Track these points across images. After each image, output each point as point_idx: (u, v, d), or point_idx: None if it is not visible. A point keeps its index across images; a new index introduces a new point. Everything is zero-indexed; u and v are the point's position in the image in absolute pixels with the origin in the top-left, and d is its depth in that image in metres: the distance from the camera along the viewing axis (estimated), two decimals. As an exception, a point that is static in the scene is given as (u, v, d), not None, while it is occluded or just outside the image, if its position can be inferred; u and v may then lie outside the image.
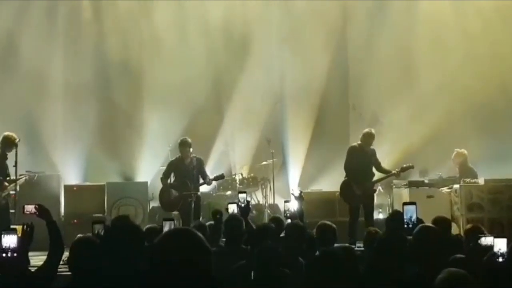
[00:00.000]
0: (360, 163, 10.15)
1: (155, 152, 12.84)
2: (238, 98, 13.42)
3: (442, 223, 5.87)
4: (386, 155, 12.34)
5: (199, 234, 2.31)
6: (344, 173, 10.37)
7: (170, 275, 2.18)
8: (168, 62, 13.22)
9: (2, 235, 4.11)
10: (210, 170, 11.28)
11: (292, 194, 7.05)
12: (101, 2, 13.40)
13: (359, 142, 10.34)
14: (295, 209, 6.77)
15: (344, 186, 10.33)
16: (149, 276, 2.24)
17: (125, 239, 3.68)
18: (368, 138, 10.23)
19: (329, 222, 6.05)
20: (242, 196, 6.83)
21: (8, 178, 9.82)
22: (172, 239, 2.28)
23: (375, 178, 10.35)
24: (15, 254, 4.06)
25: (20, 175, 10.08)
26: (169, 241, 2.27)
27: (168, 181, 10.49)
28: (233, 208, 6.67)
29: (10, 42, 12.82)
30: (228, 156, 13.12)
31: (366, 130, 10.41)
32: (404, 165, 10.46)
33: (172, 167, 10.48)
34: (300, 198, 6.89)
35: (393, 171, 10.34)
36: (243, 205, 6.68)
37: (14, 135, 9.72)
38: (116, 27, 13.32)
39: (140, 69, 13.36)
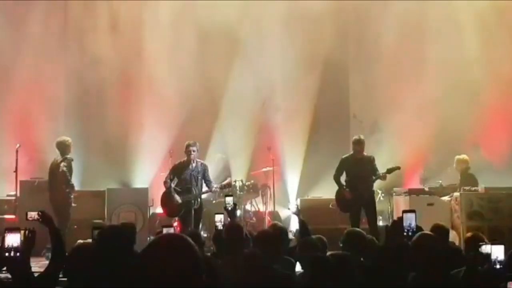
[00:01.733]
0: (352, 171, 10.17)
1: (154, 158, 12.87)
2: (236, 105, 13.40)
3: (439, 231, 5.87)
4: (387, 162, 12.35)
5: (189, 240, 2.29)
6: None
7: (159, 282, 2.15)
8: (165, 70, 13.27)
9: (6, 234, 4.10)
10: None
11: (289, 208, 7.05)
12: (94, 11, 13.47)
13: (351, 152, 10.35)
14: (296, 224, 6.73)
15: (337, 194, 10.40)
16: (139, 282, 2.20)
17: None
18: (356, 145, 10.23)
19: (358, 229, 5.99)
20: (229, 199, 6.79)
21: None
22: (162, 245, 2.25)
23: None
24: (17, 254, 4.05)
25: None
26: (158, 247, 2.24)
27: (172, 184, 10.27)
28: (220, 217, 6.54)
29: (10, 51, 12.87)
30: (225, 163, 13.04)
31: (354, 137, 10.42)
32: (390, 167, 10.33)
33: (176, 171, 10.28)
34: (297, 213, 6.85)
35: (380, 174, 10.23)
36: (230, 208, 6.64)
37: (67, 137, 10.57)
38: (110, 34, 13.36)
39: (136, 75, 13.37)
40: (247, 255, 4.96)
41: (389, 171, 10.22)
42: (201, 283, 2.21)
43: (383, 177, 10.23)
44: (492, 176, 11.81)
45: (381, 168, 10.47)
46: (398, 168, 10.42)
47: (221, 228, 6.28)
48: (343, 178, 10.44)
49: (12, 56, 12.85)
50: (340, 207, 10.46)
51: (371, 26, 13.62)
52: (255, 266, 4.80)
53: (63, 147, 10.39)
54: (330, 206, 11.19)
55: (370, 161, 10.31)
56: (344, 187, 10.26)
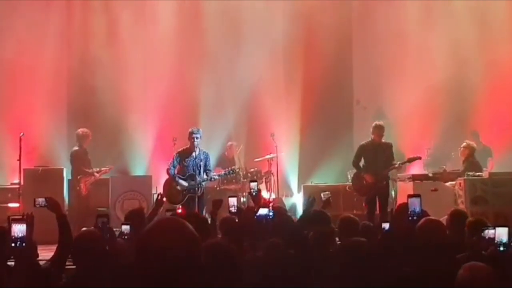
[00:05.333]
0: (370, 157, 10.37)
1: (155, 146, 12.89)
2: (238, 92, 13.40)
3: (457, 216, 5.84)
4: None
5: (187, 223, 2.27)
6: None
7: (157, 265, 2.12)
8: (167, 59, 13.29)
9: (12, 225, 4.11)
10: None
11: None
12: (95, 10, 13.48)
13: (370, 137, 10.50)
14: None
15: (354, 177, 10.70)
16: (137, 266, 2.18)
17: None
18: (375, 129, 10.39)
19: (352, 215, 6.02)
20: (253, 184, 6.68)
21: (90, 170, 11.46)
22: (159, 228, 2.22)
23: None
24: (23, 244, 4.05)
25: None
26: (156, 231, 2.21)
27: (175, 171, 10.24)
28: (233, 202, 6.40)
29: (15, 43, 12.89)
30: (235, 151, 13.00)
31: (375, 122, 10.58)
32: (411, 156, 10.63)
33: (179, 158, 10.22)
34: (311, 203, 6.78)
35: (399, 162, 10.47)
36: (254, 193, 6.55)
37: (85, 129, 11.55)
38: (111, 30, 13.39)
39: (137, 66, 13.36)
40: (268, 245, 4.94)
41: (410, 160, 10.57)
42: (199, 265, 2.19)
43: (398, 167, 10.56)
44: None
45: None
46: (419, 157, 10.72)
47: (235, 212, 6.24)
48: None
49: (17, 47, 12.85)
50: (358, 191, 10.74)
51: (375, 10, 13.55)
52: (276, 255, 4.79)
53: (76, 139, 11.51)
54: (347, 188, 11.53)
55: (388, 147, 10.47)
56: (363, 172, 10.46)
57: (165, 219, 2.33)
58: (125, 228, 5.34)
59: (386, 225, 5.39)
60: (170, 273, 2.12)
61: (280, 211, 6.47)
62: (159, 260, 2.13)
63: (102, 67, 13.11)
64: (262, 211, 5.45)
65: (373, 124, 10.51)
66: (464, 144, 11.40)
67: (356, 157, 10.55)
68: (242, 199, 11.62)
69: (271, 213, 5.48)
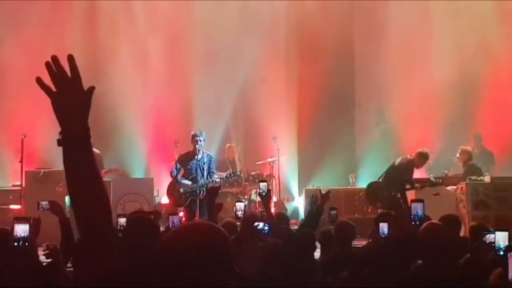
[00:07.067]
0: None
1: (157, 149, 12.89)
2: (239, 95, 13.40)
3: (450, 222, 5.83)
4: (392, 152, 12.33)
5: (218, 226, 2.16)
6: None
7: (185, 271, 1.96)
8: (168, 62, 13.31)
9: (15, 225, 4.11)
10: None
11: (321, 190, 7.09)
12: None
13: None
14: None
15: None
16: (163, 272, 2.02)
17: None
18: (421, 158, 10.58)
19: (348, 220, 6.04)
20: (263, 184, 6.62)
21: None
22: (190, 229, 2.09)
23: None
24: (26, 244, 4.05)
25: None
26: (186, 233, 2.05)
27: (179, 175, 10.19)
28: (240, 207, 6.40)
29: (15, 46, 12.93)
30: (235, 152, 13.02)
31: (420, 150, 10.66)
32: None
33: (182, 160, 10.17)
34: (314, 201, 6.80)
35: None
36: (264, 193, 6.53)
37: None
38: (110, 30, 13.45)
39: (140, 69, 13.39)
40: (268, 246, 4.95)
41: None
42: (231, 267, 2.03)
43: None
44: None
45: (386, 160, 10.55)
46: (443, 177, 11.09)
47: (241, 217, 6.24)
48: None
49: (19, 50, 12.89)
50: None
51: (377, 14, 13.55)
52: (275, 256, 4.80)
53: None
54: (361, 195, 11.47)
55: None
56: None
57: (195, 222, 2.24)
58: (122, 220, 5.29)
59: (384, 225, 5.31)
60: (202, 276, 1.98)
61: (279, 220, 6.51)
62: (189, 259, 1.97)
63: (102, 70, 13.12)
64: (259, 224, 5.51)
65: (419, 152, 10.60)
66: (460, 150, 11.42)
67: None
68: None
69: (266, 228, 5.48)
